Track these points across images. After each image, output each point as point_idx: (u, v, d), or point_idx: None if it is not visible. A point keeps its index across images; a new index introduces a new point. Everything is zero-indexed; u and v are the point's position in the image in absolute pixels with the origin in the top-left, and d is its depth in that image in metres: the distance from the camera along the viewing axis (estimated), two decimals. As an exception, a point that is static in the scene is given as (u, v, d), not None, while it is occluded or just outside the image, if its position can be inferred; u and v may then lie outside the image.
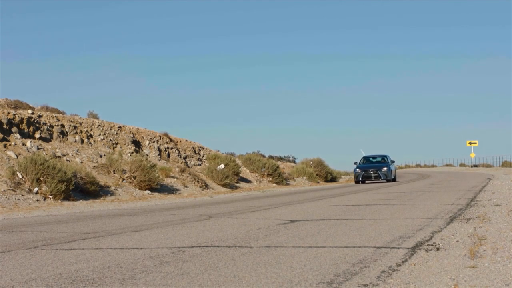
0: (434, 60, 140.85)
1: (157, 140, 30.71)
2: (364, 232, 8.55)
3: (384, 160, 36.75)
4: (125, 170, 23.37)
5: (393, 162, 37.18)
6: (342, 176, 51.74)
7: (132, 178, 23.10)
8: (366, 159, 37.40)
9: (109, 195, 20.86)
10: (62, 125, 25.30)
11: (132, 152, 27.73)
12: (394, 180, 36.41)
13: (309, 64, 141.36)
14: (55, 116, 25.55)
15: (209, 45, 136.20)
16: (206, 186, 28.06)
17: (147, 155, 28.85)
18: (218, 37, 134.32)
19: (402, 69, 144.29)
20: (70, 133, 25.51)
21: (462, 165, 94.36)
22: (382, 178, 34.75)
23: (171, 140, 32.20)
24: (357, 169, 35.57)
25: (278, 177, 35.83)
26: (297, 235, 8.31)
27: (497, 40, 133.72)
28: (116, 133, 28.24)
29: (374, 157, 37.34)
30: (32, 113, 23.97)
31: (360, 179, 34.95)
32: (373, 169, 34.93)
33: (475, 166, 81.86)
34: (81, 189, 19.83)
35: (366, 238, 7.87)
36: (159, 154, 29.91)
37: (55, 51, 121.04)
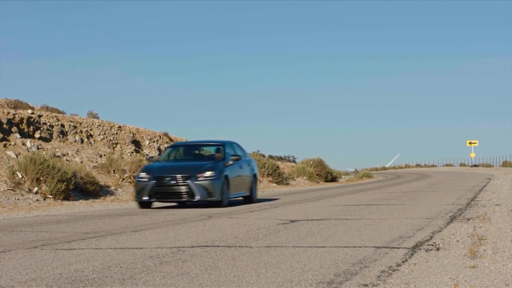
0: (434, 60, 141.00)
1: (157, 140, 30.72)
2: (364, 232, 8.55)
3: (218, 155, 16.18)
4: (125, 170, 23.37)
5: (239, 158, 16.24)
6: (342, 176, 51.77)
7: (132, 178, 23.09)
8: (180, 148, 17.26)
9: (109, 195, 20.86)
10: (62, 125, 25.30)
11: (132, 152, 27.74)
12: (249, 199, 16.84)
13: (309, 64, 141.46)
14: (55, 116, 25.56)
15: (209, 45, 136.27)
16: (206, 186, 28.05)
17: (147, 154, 28.85)
18: (219, 37, 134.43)
19: (402, 69, 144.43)
20: (70, 133, 25.52)
21: (462, 165, 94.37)
22: (197, 196, 14.57)
23: (171, 140, 32.20)
24: (143, 174, 15.12)
25: (278, 177, 35.82)
26: (297, 235, 8.31)
27: (497, 40, 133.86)
28: (116, 133, 28.24)
29: (197, 146, 17.42)
30: (32, 113, 23.97)
31: (147, 197, 14.78)
32: (182, 176, 14.75)
33: (475, 166, 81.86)
34: (81, 189, 19.82)
35: (366, 238, 7.87)
36: (159, 154, 29.91)
37: (55, 51, 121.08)
